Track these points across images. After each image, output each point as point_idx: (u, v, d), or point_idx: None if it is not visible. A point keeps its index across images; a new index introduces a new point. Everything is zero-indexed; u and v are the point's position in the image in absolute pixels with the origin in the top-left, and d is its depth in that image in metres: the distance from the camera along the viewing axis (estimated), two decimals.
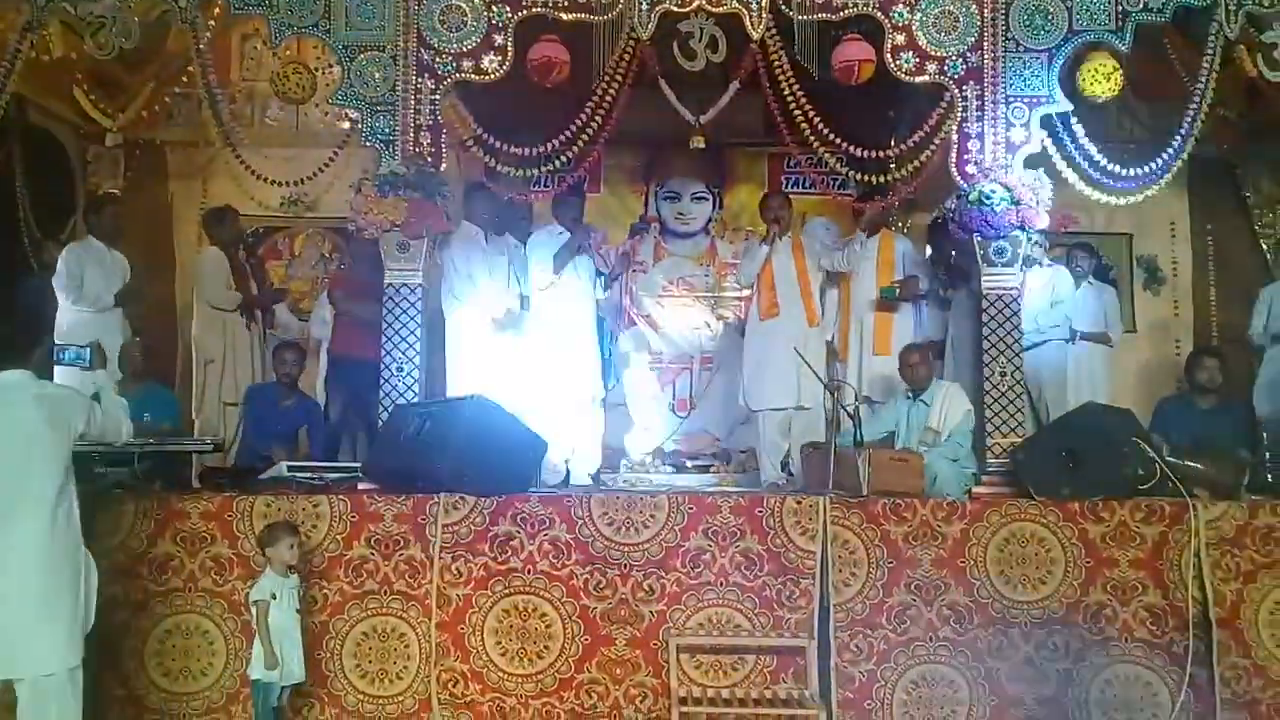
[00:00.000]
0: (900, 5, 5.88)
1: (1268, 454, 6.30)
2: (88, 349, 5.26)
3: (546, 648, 5.00)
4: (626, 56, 5.86)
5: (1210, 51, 5.81)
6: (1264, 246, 8.10)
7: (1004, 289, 5.91)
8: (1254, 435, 6.21)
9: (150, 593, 4.98)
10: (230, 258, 7.07)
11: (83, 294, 6.69)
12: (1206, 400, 6.33)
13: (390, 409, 5.83)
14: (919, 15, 5.88)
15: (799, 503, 5.13)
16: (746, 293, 8.02)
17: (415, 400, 5.86)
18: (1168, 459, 5.37)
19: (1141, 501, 5.12)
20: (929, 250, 7.42)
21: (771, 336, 6.71)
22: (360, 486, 5.52)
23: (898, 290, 6.64)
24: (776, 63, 5.85)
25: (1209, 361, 6.41)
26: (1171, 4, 5.86)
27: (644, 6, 5.83)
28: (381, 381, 5.93)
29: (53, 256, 6.95)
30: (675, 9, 5.87)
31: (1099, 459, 5.27)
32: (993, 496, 5.46)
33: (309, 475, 5.56)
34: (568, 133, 5.92)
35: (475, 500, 5.07)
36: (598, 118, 5.91)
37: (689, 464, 7.45)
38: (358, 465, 5.89)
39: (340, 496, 5.16)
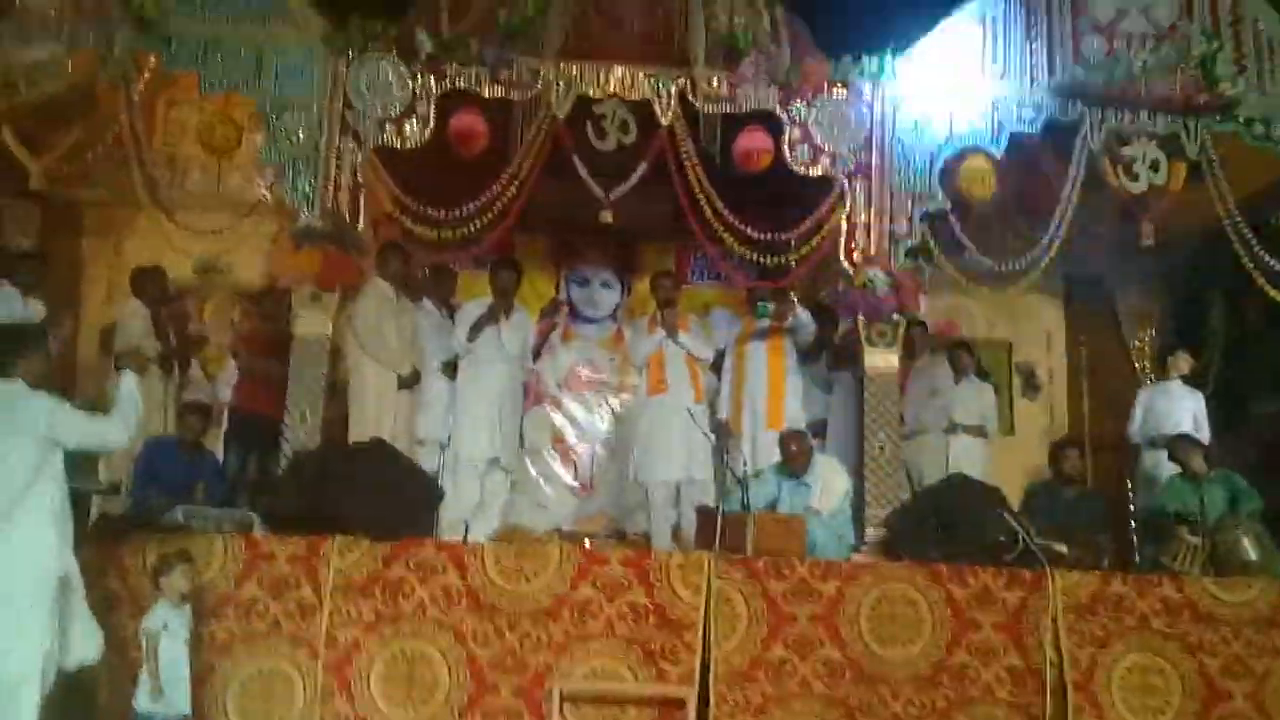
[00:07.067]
0: (798, 101, 6.35)
1: (1135, 538, 6.66)
2: None
3: (431, 695, 5.03)
4: (543, 132, 6.20)
5: (1076, 161, 6.38)
6: (1133, 359, 8.61)
7: (885, 368, 6.28)
8: (1119, 523, 6.55)
9: None
10: (153, 315, 7.09)
11: None
12: (1071, 489, 6.66)
13: (290, 457, 5.90)
14: (814, 112, 6.37)
15: (686, 557, 5.32)
16: None
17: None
18: (1036, 540, 5.60)
19: (1004, 568, 5.40)
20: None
21: (659, 412, 6.91)
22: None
23: (770, 308, 6.90)
24: (684, 149, 6.24)
25: (1070, 452, 6.76)
26: (1042, 118, 6.46)
27: (561, 87, 6.21)
28: (284, 430, 6.00)
29: None
30: (590, 94, 6.26)
31: (967, 527, 5.56)
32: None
33: (204, 520, 5.54)
34: (483, 199, 6.20)
35: (369, 544, 5.14)
36: (513, 188, 6.20)
37: (586, 543, 7.52)
38: (254, 513, 5.88)
39: (234, 536, 5.18)
